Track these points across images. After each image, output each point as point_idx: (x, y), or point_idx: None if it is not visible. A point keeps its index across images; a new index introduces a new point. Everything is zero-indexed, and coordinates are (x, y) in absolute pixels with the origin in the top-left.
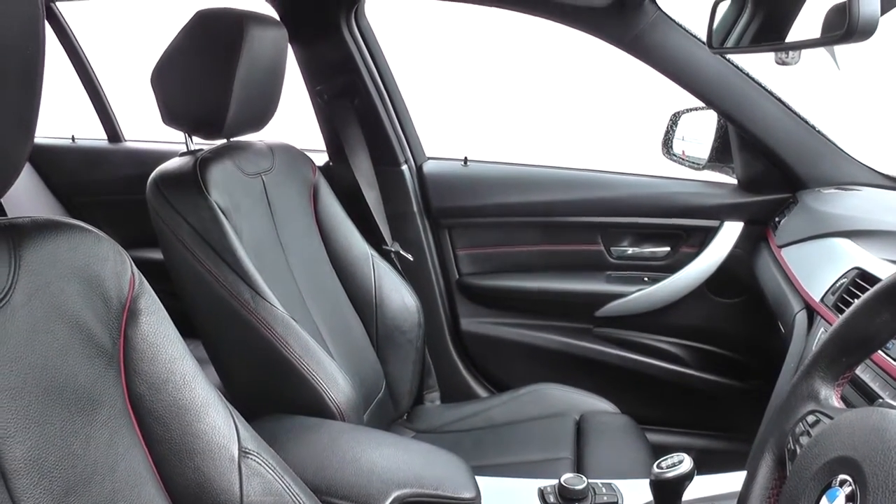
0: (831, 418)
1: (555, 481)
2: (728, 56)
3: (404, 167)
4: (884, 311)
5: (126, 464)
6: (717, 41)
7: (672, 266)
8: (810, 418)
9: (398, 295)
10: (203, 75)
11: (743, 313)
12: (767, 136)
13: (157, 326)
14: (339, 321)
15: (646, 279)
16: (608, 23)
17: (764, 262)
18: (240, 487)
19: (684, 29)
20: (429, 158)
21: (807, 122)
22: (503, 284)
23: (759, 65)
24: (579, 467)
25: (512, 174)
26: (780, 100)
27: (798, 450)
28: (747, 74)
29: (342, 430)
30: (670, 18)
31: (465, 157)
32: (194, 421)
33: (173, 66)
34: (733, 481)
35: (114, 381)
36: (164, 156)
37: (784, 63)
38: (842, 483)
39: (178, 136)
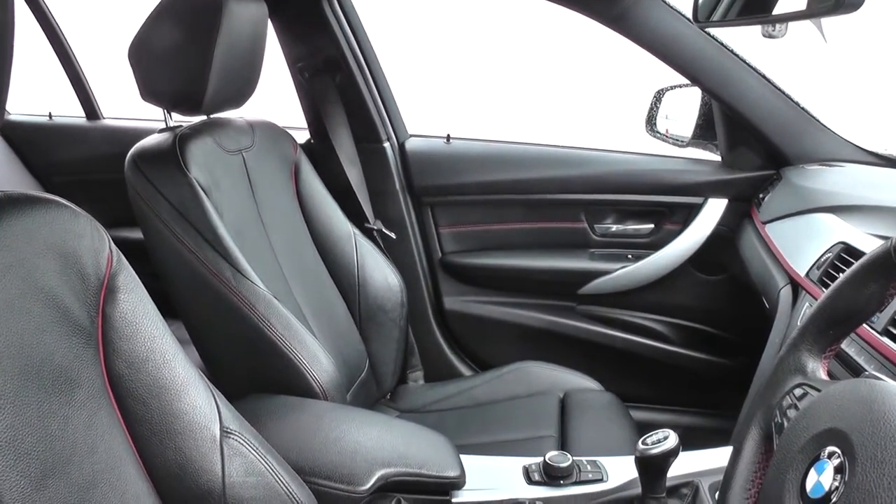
0: (819, 391)
1: (539, 459)
2: (713, 32)
3: (386, 144)
4: (871, 282)
5: (106, 445)
6: (703, 14)
7: (656, 243)
8: (797, 391)
9: (381, 274)
10: (182, 50)
11: (727, 290)
12: (752, 113)
13: (135, 304)
14: (321, 300)
15: (630, 256)
16: None
17: (748, 239)
18: (221, 468)
19: (669, 5)
20: (411, 136)
21: (791, 99)
22: (486, 262)
23: (744, 38)
24: (564, 445)
25: (495, 151)
26: (764, 76)
27: (785, 423)
28: (732, 51)
29: (325, 409)
30: None
31: (448, 135)
32: (174, 400)
33: (151, 41)
34: (719, 457)
35: (92, 360)
36: (144, 133)
37: (770, 36)
38: (830, 455)
39: (158, 113)
